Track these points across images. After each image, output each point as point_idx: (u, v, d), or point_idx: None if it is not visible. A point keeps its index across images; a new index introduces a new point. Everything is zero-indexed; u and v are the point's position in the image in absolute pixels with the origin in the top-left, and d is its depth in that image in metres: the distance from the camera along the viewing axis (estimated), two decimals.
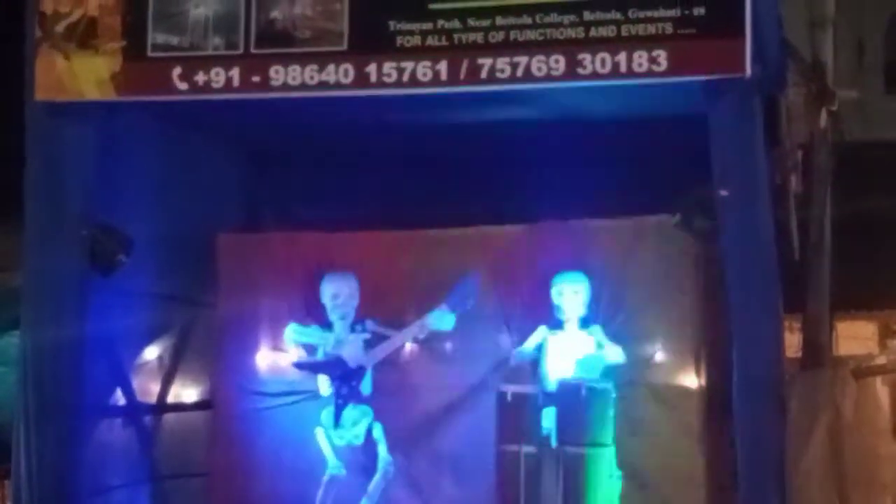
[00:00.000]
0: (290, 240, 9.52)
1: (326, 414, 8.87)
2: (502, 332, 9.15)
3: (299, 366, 9.10)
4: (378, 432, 8.86)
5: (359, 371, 8.86)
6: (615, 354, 8.73)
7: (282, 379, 9.35)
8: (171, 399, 9.69)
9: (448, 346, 9.17)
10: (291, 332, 9.02)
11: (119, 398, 9.24)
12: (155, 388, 9.59)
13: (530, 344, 8.89)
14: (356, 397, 8.86)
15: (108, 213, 8.44)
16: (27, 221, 8.27)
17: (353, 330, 8.97)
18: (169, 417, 9.67)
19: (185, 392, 9.77)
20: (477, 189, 9.29)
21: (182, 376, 9.70)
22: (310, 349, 9.09)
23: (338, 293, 9.01)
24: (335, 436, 8.85)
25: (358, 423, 8.84)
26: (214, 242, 9.49)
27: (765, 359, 7.82)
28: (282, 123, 8.98)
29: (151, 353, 9.52)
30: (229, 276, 9.49)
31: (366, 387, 8.92)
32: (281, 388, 9.33)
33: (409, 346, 9.18)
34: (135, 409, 9.38)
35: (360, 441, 8.86)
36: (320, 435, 8.86)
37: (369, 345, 8.96)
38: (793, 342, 8.58)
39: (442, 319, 8.79)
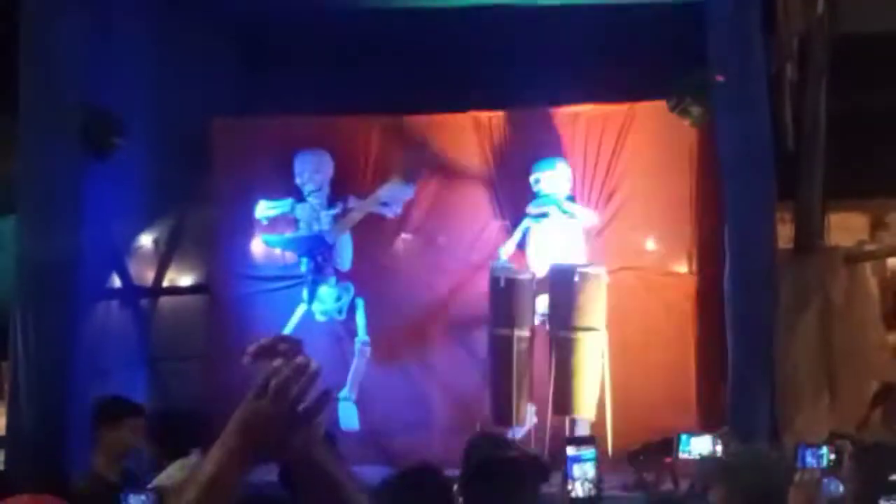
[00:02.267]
0: (282, 123, 9.44)
1: (305, 291, 8.95)
2: (493, 218, 9.12)
3: (267, 242, 9.16)
4: (360, 309, 8.92)
5: (323, 245, 8.92)
6: (588, 217, 8.73)
7: (276, 263, 9.36)
8: (166, 283, 9.71)
9: (441, 230, 9.18)
10: (262, 207, 9.07)
11: (115, 281, 9.29)
12: (151, 272, 9.62)
13: (514, 238, 8.87)
14: (330, 272, 8.91)
15: (103, 98, 8.34)
16: (21, 106, 8.09)
17: (331, 206, 9.01)
18: (165, 301, 9.69)
19: (182, 276, 9.78)
20: (469, 75, 9.13)
21: (178, 261, 9.70)
22: (294, 225, 9.11)
23: (303, 168, 9.06)
24: (317, 310, 8.92)
25: (340, 298, 8.91)
26: (209, 128, 9.42)
27: (758, 245, 7.83)
28: (276, 7, 8.96)
29: (147, 238, 9.55)
30: (224, 160, 9.43)
31: (344, 262, 8.97)
32: (275, 272, 9.32)
33: (403, 236, 9.18)
34: (131, 293, 9.43)
35: (342, 316, 8.96)
36: (298, 312, 8.94)
37: (335, 219, 9.01)
38: (784, 233, 8.43)
39: (397, 190, 8.87)
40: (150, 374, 9.26)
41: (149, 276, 9.62)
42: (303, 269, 9.01)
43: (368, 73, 9.32)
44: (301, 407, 2.50)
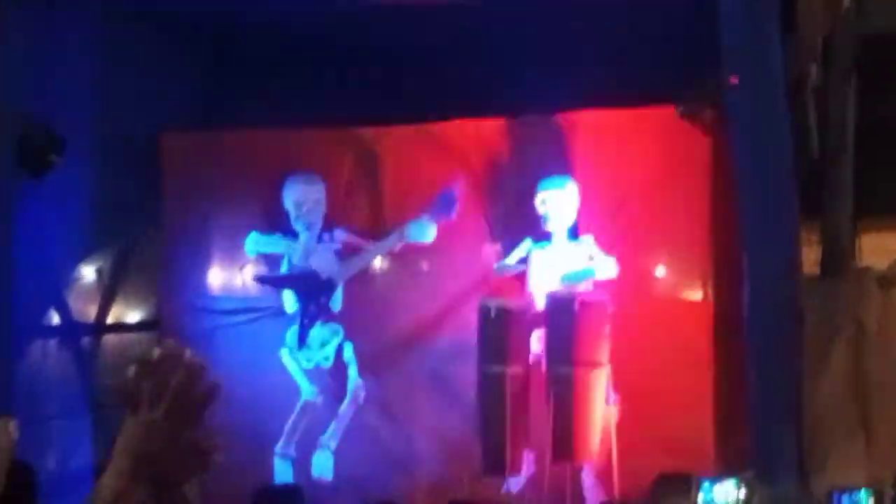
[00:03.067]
0: (246, 139, 9.25)
1: (292, 334, 8.76)
2: (485, 242, 8.90)
3: (261, 280, 9.00)
4: (349, 352, 8.78)
5: (328, 285, 8.76)
6: (607, 268, 8.48)
7: (238, 295, 9.17)
8: (112, 319, 9.51)
9: (426, 257, 8.95)
10: (252, 242, 8.88)
11: (53, 317, 9.14)
12: (94, 306, 9.41)
13: (513, 258, 8.69)
14: (325, 314, 8.76)
15: (41, 111, 8.29)
16: None
17: (320, 239, 8.83)
18: (110, 339, 9.49)
19: (129, 311, 9.58)
20: (456, 80, 8.95)
21: (125, 293, 9.50)
22: (273, 262, 8.96)
23: (302, 199, 8.82)
24: (302, 357, 8.75)
25: (327, 343, 8.76)
26: (159, 144, 9.21)
27: (780, 267, 7.76)
28: (236, 10, 8.82)
29: (89, 267, 9.34)
30: (176, 180, 9.21)
31: (336, 303, 8.83)
32: (237, 304, 9.12)
33: (382, 258, 9.05)
34: (71, 330, 9.24)
35: (329, 363, 8.79)
36: (286, 357, 8.74)
37: (340, 256, 8.85)
38: (810, 256, 8.32)
39: (422, 230, 8.68)
40: (95, 423, 8.96)
41: (91, 311, 9.36)
42: (290, 309, 8.81)
43: (341, 80, 9.20)
44: (184, 402, 2.41)
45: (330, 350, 8.75)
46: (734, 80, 7.67)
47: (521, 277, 8.70)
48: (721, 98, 7.88)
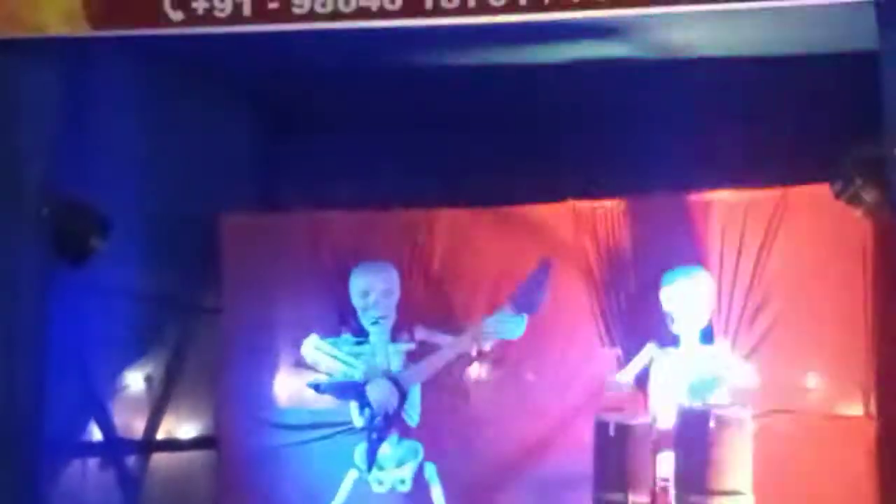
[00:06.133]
0: (315, 222, 9.43)
1: (360, 452, 8.76)
2: (599, 346, 9.03)
3: (318, 389, 8.91)
4: (431, 475, 8.75)
5: (399, 393, 8.73)
6: (745, 377, 8.55)
7: (309, 407, 9.23)
8: (162, 434, 9.69)
9: (526, 363, 9.07)
10: (311, 346, 8.86)
11: (93, 432, 9.23)
12: (141, 419, 9.58)
13: (634, 367, 8.76)
14: (399, 428, 8.74)
15: (79, 186, 8.40)
16: None
17: (394, 339, 8.90)
18: (160, 459, 9.65)
19: (181, 425, 9.77)
20: (562, 153, 9.28)
21: (177, 404, 9.70)
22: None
23: (369, 289, 8.88)
24: (373, 481, 8.74)
25: (404, 463, 8.74)
26: (218, 227, 9.39)
27: None
28: (306, 70, 9.02)
29: (136, 373, 9.51)
30: (237, 269, 9.41)
31: (412, 415, 8.82)
32: (308, 418, 9.23)
33: (473, 364, 9.13)
34: (115, 447, 9.37)
35: (407, 487, 8.76)
36: (349, 480, 8.73)
37: (412, 358, 8.87)
38: None
39: (507, 324, 8.64)
40: None
41: (138, 426, 9.56)
42: (359, 423, 8.81)
43: (423, 153, 9.51)
44: None
45: (408, 472, 8.74)
46: None
47: (642, 387, 8.72)
48: (885, 175, 7.79)
